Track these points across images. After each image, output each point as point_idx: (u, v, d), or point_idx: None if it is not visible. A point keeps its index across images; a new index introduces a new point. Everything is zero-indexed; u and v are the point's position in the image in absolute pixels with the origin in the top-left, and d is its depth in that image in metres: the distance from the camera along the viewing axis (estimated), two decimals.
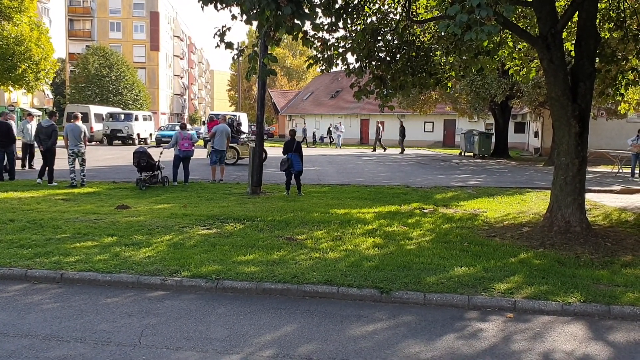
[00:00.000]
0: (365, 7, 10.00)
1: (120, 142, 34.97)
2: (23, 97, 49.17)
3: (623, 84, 10.71)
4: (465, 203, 11.93)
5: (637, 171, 18.78)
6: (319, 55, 9.69)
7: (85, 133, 13.54)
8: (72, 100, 53.43)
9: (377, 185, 15.24)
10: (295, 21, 6.24)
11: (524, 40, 9.55)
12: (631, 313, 5.33)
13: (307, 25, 7.09)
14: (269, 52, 8.07)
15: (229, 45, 7.51)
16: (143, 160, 13.35)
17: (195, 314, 5.24)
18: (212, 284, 5.91)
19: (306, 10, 6.38)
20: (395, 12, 10.74)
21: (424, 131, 48.39)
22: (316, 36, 8.94)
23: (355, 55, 9.77)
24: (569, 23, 9.87)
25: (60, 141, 14.27)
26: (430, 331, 4.91)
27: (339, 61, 9.82)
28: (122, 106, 52.16)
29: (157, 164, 13.66)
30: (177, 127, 21.71)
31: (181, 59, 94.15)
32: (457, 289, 5.78)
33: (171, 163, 14.38)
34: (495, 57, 9.85)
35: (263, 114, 13.47)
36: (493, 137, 30.59)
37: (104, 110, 37.61)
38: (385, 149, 35.96)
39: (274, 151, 23.94)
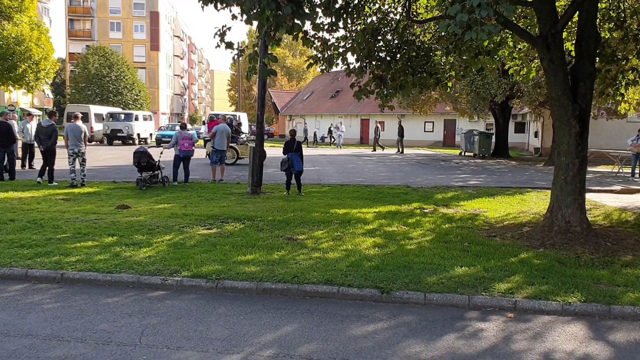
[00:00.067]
0: (366, 7, 10.00)
1: (120, 142, 34.97)
2: (23, 97, 49.19)
3: (623, 83, 10.70)
4: (465, 203, 11.93)
5: (637, 171, 18.78)
6: (319, 55, 9.69)
7: (85, 133, 13.54)
8: (72, 100, 53.45)
9: (378, 185, 15.24)
10: (296, 21, 6.24)
11: (524, 40, 9.55)
12: (631, 313, 5.33)
13: (307, 25, 7.10)
14: (269, 52, 8.06)
15: (229, 45, 7.51)
16: (143, 160, 13.35)
17: (195, 313, 5.24)
18: (212, 284, 5.91)
19: (306, 10, 6.39)
20: (395, 12, 10.74)
21: (424, 131, 48.40)
22: (316, 36, 8.94)
23: (355, 55, 9.77)
24: (569, 23, 9.87)
25: (61, 141, 14.27)
26: (431, 331, 4.91)
27: (339, 61, 9.82)
28: (122, 106, 52.15)
29: (157, 163, 13.66)
30: (178, 127, 21.74)
31: (181, 58, 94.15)
32: (458, 288, 5.78)
33: (171, 163, 14.39)
34: (496, 57, 9.85)
35: (263, 113, 13.47)
36: (493, 137, 30.60)
37: (104, 110, 37.62)
38: (383, 149, 35.97)
39: (274, 151, 23.93)
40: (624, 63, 10.37)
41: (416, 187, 14.70)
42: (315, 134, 47.37)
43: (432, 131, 48.40)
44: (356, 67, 9.82)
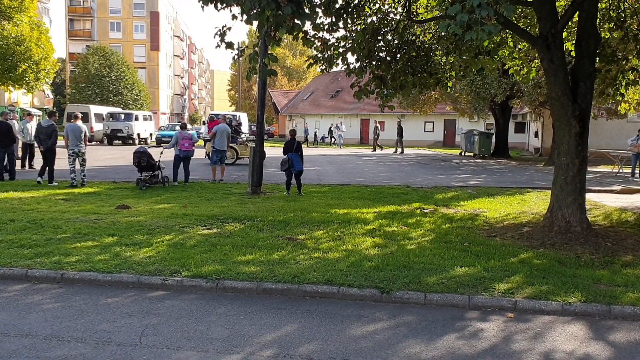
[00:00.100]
0: (366, 7, 10.00)
1: (120, 142, 34.97)
2: (23, 97, 49.19)
3: (623, 83, 10.70)
4: (465, 203, 11.93)
5: (638, 171, 18.78)
6: (319, 55, 9.69)
7: (85, 133, 13.55)
8: (73, 100, 53.45)
9: (378, 185, 15.24)
10: (296, 21, 6.24)
11: (524, 40, 9.55)
12: (632, 313, 5.33)
13: (308, 25, 7.10)
14: (269, 52, 8.06)
15: (230, 45, 7.51)
16: (143, 160, 13.35)
17: (195, 313, 5.24)
18: (212, 284, 5.91)
19: (306, 10, 6.39)
20: (395, 12, 10.74)
21: (424, 131, 48.41)
22: (316, 36, 8.94)
23: (355, 55, 9.77)
24: (570, 23, 9.87)
25: (61, 141, 14.27)
26: (431, 331, 4.91)
27: (339, 61, 9.81)
28: (122, 106, 52.14)
29: (157, 164, 13.66)
30: (178, 127, 21.74)
31: (181, 58, 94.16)
32: (458, 289, 5.78)
33: (171, 163, 14.39)
34: (496, 57, 9.85)
35: (263, 114, 13.47)
36: (493, 137, 30.60)
37: (104, 110, 37.62)
38: (382, 148, 35.97)
39: (274, 151, 23.93)
40: (624, 63, 10.37)
41: (416, 187, 14.70)
42: (315, 134, 47.35)
43: (432, 131, 48.41)
44: (356, 67, 9.82)
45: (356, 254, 7.10)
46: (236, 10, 6.95)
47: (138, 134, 35.12)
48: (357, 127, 51.80)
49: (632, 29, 10.25)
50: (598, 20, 9.48)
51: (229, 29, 7.52)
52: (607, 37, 10.08)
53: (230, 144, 18.27)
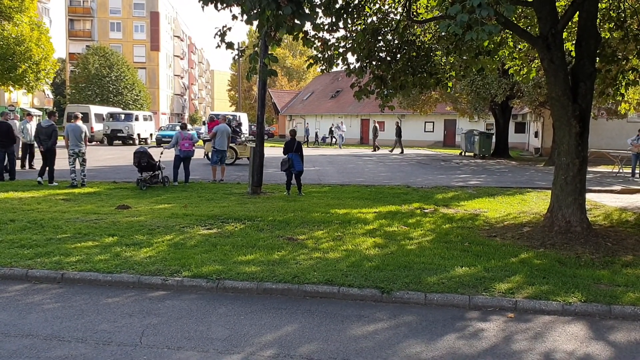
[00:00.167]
0: (366, 7, 10.00)
1: (120, 142, 34.98)
2: (23, 97, 49.19)
3: (623, 83, 10.70)
4: (465, 203, 11.93)
5: (638, 171, 18.78)
6: (320, 55, 9.69)
7: (86, 133, 13.55)
8: (73, 100, 53.44)
9: (378, 185, 15.24)
10: (296, 21, 6.24)
11: (524, 40, 9.55)
12: (632, 313, 5.33)
13: (308, 25, 7.09)
14: (269, 52, 8.07)
15: (230, 46, 7.51)
16: (143, 161, 13.35)
17: (196, 313, 5.24)
18: (213, 284, 5.91)
19: (307, 11, 6.39)
20: (395, 12, 10.75)
21: (424, 131, 48.41)
22: (316, 36, 8.94)
23: (355, 55, 9.77)
24: (570, 23, 9.87)
25: (61, 141, 14.27)
26: (431, 331, 4.92)
27: (339, 61, 9.82)
28: (122, 106, 52.14)
29: (157, 164, 13.66)
30: (178, 127, 21.75)
31: (181, 59, 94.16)
32: (458, 289, 5.78)
33: (172, 163, 14.39)
34: (496, 57, 9.85)
35: (263, 114, 13.47)
36: (493, 137, 30.60)
37: (104, 110, 37.62)
38: (378, 149, 35.99)
39: (274, 151, 23.93)
40: (624, 63, 10.37)
41: (416, 187, 14.70)
42: (316, 134, 47.33)
43: (433, 131, 48.41)
44: (356, 67, 9.82)
45: (356, 254, 7.10)
46: (236, 10, 6.96)
47: (138, 134, 35.13)
48: (357, 127, 51.80)
49: (632, 29, 10.26)
50: (598, 20, 9.48)
51: (229, 29, 7.52)
52: (607, 37, 10.08)
53: (229, 144, 18.26)
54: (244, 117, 35.51)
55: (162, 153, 14.26)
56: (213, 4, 6.79)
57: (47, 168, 13.61)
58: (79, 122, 13.66)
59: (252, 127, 34.11)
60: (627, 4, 10.26)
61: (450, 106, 33.26)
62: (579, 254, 7.28)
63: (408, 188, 14.52)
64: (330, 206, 10.91)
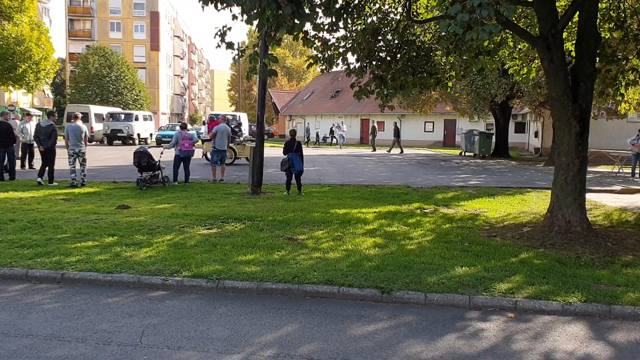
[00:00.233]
0: (366, 7, 10.00)
1: (120, 142, 34.98)
2: (23, 97, 49.19)
3: (623, 83, 10.70)
4: (465, 203, 11.93)
5: (638, 171, 18.78)
6: (320, 55, 9.69)
7: (86, 133, 13.55)
8: (73, 100, 53.44)
9: (378, 185, 15.24)
10: (296, 21, 6.24)
11: (524, 40, 9.55)
12: (632, 313, 5.33)
13: (308, 25, 7.09)
14: (269, 52, 8.07)
15: (230, 46, 7.51)
16: (143, 160, 13.35)
17: (196, 313, 5.24)
18: (213, 284, 5.91)
19: (307, 11, 6.39)
20: (395, 12, 10.74)
21: (424, 131, 48.42)
22: (317, 36, 8.94)
23: (355, 55, 9.77)
24: (570, 23, 9.87)
25: (61, 141, 14.27)
26: (431, 331, 4.92)
27: (339, 61, 9.81)
28: (122, 106, 52.15)
29: (157, 164, 13.66)
30: (178, 127, 21.74)
31: (181, 59, 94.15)
32: (458, 289, 5.78)
33: (171, 163, 14.39)
34: (496, 57, 9.85)
35: (263, 114, 13.46)
36: (493, 137, 30.60)
37: (104, 110, 37.63)
38: (375, 149, 36.01)
39: (274, 151, 23.94)
40: (624, 63, 10.37)
41: (416, 187, 14.70)
42: (317, 134, 47.30)
43: (432, 131, 48.41)
44: (356, 67, 9.82)
45: (356, 254, 7.10)
46: (236, 10, 6.96)
47: (138, 134, 35.14)
48: (357, 127, 51.81)
49: (632, 29, 10.26)
50: (598, 20, 9.48)
51: (229, 29, 7.52)
52: (607, 37, 10.08)
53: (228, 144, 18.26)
54: (244, 117, 35.49)
55: (162, 153, 14.26)
56: (213, 4, 6.79)
57: (47, 168, 13.61)
58: (79, 122, 13.66)
59: (252, 127, 34.10)
60: (627, 4, 10.26)
61: (450, 106, 33.26)
62: (579, 254, 7.28)
63: (408, 188, 14.52)
64: (330, 206, 10.91)
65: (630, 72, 10.50)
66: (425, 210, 10.75)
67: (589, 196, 11.04)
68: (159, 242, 7.54)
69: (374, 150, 35.61)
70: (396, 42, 10.31)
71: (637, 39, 10.08)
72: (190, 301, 5.60)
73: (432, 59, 10.56)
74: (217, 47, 7.67)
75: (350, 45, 9.72)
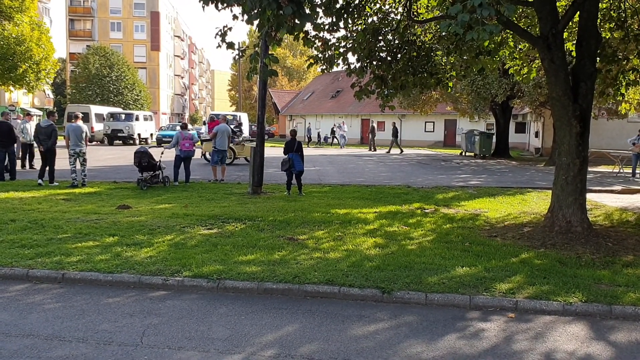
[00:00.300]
0: (366, 7, 10.00)
1: (121, 142, 34.99)
2: (24, 97, 49.21)
3: (624, 83, 10.70)
4: (466, 203, 11.93)
5: (638, 171, 18.77)
6: (320, 55, 9.70)
7: (86, 133, 13.56)
8: (73, 100, 53.47)
9: (378, 185, 15.24)
10: (296, 21, 6.24)
11: (525, 40, 9.55)
12: (633, 313, 5.33)
13: (308, 25, 7.09)
14: (270, 52, 8.07)
15: (231, 46, 7.52)
16: (144, 160, 13.36)
17: (196, 313, 5.25)
18: (213, 284, 5.91)
19: (307, 11, 6.39)
20: (396, 12, 10.74)
21: (425, 131, 48.41)
22: (317, 36, 8.94)
23: (356, 55, 9.78)
24: (570, 23, 9.87)
25: (61, 141, 14.27)
26: (432, 331, 4.92)
27: (339, 61, 9.82)
28: (122, 106, 52.17)
29: (158, 164, 13.67)
30: (178, 127, 21.75)
31: (182, 59, 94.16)
32: (459, 289, 5.78)
33: (172, 163, 14.39)
34: (496, 57, 9.83)
35: (264, 114, 13.46)
36: (494, 137, 30.58)
37: (104, 110, 37.65)
38: (370, 149, 36.04)
39: (275, 151, 23.94)
40: (624, 63, 10.37)
41: (417, 187, 14.69)
42: (318, 134, 47.26)
43: (433, 131, 48.40)
44: (357, 67, 9.82)
45: (357, 254, 7.10)
46: (237, 10, 6.96)
47: (139, 134, 35.15)
48: (358, 127, 51.82)
49: (632, 29, 10.25)
50: (599, 20, 9.48)
51: (230, 29, 7.53)
52: (607, 37, 10.08)
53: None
54: (244, 117, 35.49)
55: (162, 153, 14.26)
56: (214, 4, 6.80)
57: (48, 168, 13.61)
58: (80, 122, 13.67)
59: (253, 127, 34.10)
60: (627, 4, 10.26)
61: (450, 106, 33.26)
62: (580, 254, 7.28)
63: (408, 188, 14.52)
64: (331, 206, 10.91)
65: (630, 72, 10.50)
66: (426, 211, 10.75)
67: (589, 196, 11.04)
68: (159, 242, 7.54)
69: (375, 150, 35.61)
70: (397, 42, 10.31)
71: (637, 39, 10.07)
72: (190, 301, 5.60)
73: (432, 59, 10.56)
74: (217, 47, 7.68)
75: (350, 45, 9.72)
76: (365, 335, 4.79)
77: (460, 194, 13.47)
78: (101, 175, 16.29)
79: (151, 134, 38.12)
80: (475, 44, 8.55)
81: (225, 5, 6.78)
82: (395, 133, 33.45)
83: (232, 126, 20.67)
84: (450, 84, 11.21)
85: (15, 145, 15.13)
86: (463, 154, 32.02)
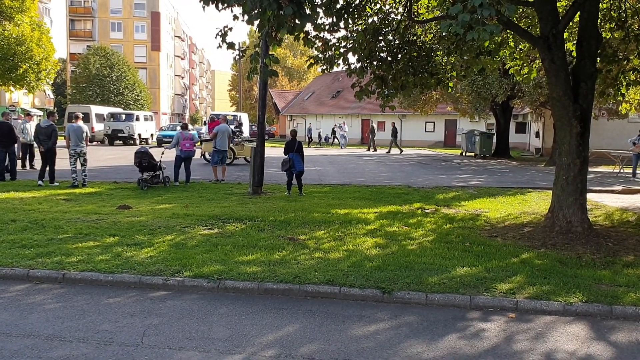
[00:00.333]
0: (367, 7, 10.00)
1: (121, 142, 35.00)
2: (24, 97, 49.24)
3: (624, 84, 10.70)
4: (466, 203, 11.93)
5: (639, 171, 18.77)
6: (320, 55, 9.70)
7: (87, 133, 13.57)
8: (73, 100, 53.47)
9: (378, 185, 15.24)
10: (297, 21, 6.25)
11: (525, 40, 9.55)
12: (633, 313, 5.33)
13: (309, 26, 7.10)
14: (270, 52, 8.07)
15: (231, 46, 7.53)
16: (144, 161, 13.36)
17: (197, 314, 5.25)
18: (214, 284, 5.91)
19: (307, 11, 6.40)
20: (396, 12, 10.75)
21: (425, 131, 48.42)
22: (317, 36, 8.95)
23: (356, 55, 9.78)
24: (571, 23, 9.87)
25: (61, 141, 14.27)
26: (432, 331, 4.92)
27: (340, 61, 9.83)
28: (123, 106, 52.19)
29: (158, 164, 13.67)
30: (179, 128, 21.77)
31: (182, 59, 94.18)
32: (459, 289, 5.78)
33: (172, 163, 14.40)
34: (497, 57, 9.84)
35: (264, 114, 13.46)
36: (494, 137, 30.58)
37: (105, 110, 37.65)
38: (369, 149, 36.02)
39: (275, 151, 23.96)
40: (625, 63, 10.37)
41: (417, 188, 14.69)
42: (319, 134, 47.25)
43: (433, 131, 48.41)
44: (357, 67, 9.83)
45: (357, 254, 7.10)
46: (237, 10, 6.98)
47: (139, 134, 35.16)
48: (358, 128, 51.83)
49: (633, 29, 10.25)
50: (599, 20, 9.48)
51: (230, 29, 7.53)
52: (608, 37, 10.08)
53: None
54: (244, 117, 35.52)
55: (163, 153, 14.27)
56: (214, 4, 6.80)
57: (48, 168, 13.61)
58: (80, 122, 13.67)
59: (253, 127, 34.14)
60: (628, 4, 10.26)
61: (451, 106, 33.26)
62: (580, 254, 7.28)
63: (409, 188, 14.52)
64: (331, 206, 10.91)
65: (631, 72, 10.50)
66: (426, 211, 10.75)
67: (589, 196, 11.04)
68: (160, 242, 7.54)
69: (375, 150, 35.60)
70: (397, 42, 10.31)
71: (638, 39, 10.07)
72: (191, 301, 5.60)
73: (433, 59, 10.56)
74: (218, 47, 7.69)
75: (351, 45, 9.73)
76: (366, 336, 4.79)
77: (461, 194, 13.47)
78: (101, 175, 16.30)
79: (151, 134, 38.13)
80: (476, 44, 8.56)
81: (225, 5, 6.79)
82: (394, 133, 33.46)
83: (232, 126, 20.70)
84: (451, 84, 11.21)
85: (16, 145, 15.14)
86: (463, 154, 32.01)
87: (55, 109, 59.24)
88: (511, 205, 11.70)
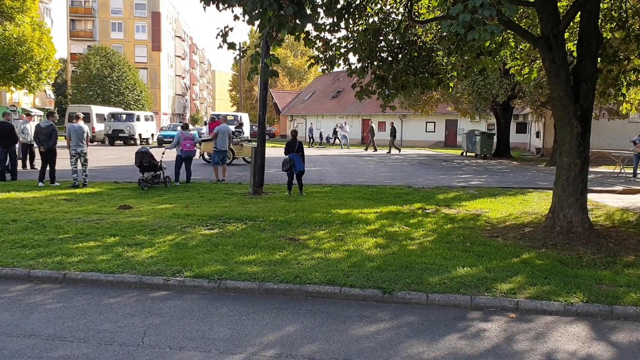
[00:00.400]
0: (367, 7, 10.00)
1: (122, 142, 35.01)
2: (25, 97, 49.28)
3: (625, 84, 10.69)
4: (467, 203, 11.93)
5: (639, 171, 18.76)
6: (321, 56, 9.70)
7: (87, 133, 13.58)
8: (74, 100, 53.48)
9: (379, 185, 15.24)
10: (297, 22, 6.25)
11: (526, 40, 9.55)
12: (634, 313, 5.32)
13: (309, 26, 7.10)
14: (271, 52, 8.08)
15: (232, 46, 7.53)
16: (145, 161, 13.37)
17: (198, 314, 5.25)
18: (214, 284, 5.91)
19: (308, 11, 6.40)
20: (397, 12, 10.76)
21: (426, 131, 48.42)
22: (318, 36, 8.95)
23: (357, 55, 9.78)
24: (571, 23, 9.87)
25: (62, 141, 14.27)
26: (433, 331, 4.92)
27: (340, 61, 9.83)
28: (123, 106, 52.21)
29: (159, 164, 13.68)
30: (179, 128, 21.77)
31: (183, 59, 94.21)
32: (460, 289, 5.78)
33: (173, 163, 14.40)
34: (497, 57, 9.84)
35: (265, 114, 13.46)
36: (495, 137, 30.59)
37: (105, 110, 37.68)
38: (366, 149, 36.01)
39: (275, 151, 23.96)
40: (625, 63, 10.36)
41: (418, 188, 14.69)
42: (320, 134, 47.24)
43: (434, 131, 48.41)
44: (358, 67, 9.83)
45: (358, 254, 7.10)
46: (238, 10, 6.98)
47: (139, 134, 35.19)
48: (359, 128, 51.82)
49: (634, 29, 10.25)
50: (600, 20, 9.47)
51: (231, 29, 7.53)
52: (608, 37, 10.08)
53: None
54: (245, 118, 35.54)
55: (163, 153, 14.28)
56: (215, 5, 6.81)
57: (48, 169, 13.61)
58: (81, 123, 13.68)
59: (254, 127, 34.15)
60: (628, 4, 10.26)
61: (451, 106, 33.28)
62: (581, 254, 7.27)
63: (409, 188, 14.52)
64: (332, 206, 10.91)
65: (632, 72, 10.49)
66: (427, 211, 10.75)
67: (590, 196, 11.03)
68: (160, 243, 7.54)
69: (375, 150, 35.62)
70: (397, 42, 10.32)
71: (638, 39, 10.07)
72: (192, 301, 5.60)
73: (433, 59, 10.56)
74: (218, 47, 7.68)
75: (351, 45, 9.73)
76: (367, 336, 4.79)
77: (461, 194, 13.47)
78: (102, 175, 16.31)
79: (152, 134, 38.15)
80: (477, 44, 8.56)
81: (226, 5, 6.79)
82: (392, 133, 33.47)
83: (232, 127, 20.71)
84: (451, 84, 11.22)
85: (17, 145, 15.14)
86: (464, 154, 32.02)
87: (56, 109, 59.29)
88: (512, 205, 11.70)
